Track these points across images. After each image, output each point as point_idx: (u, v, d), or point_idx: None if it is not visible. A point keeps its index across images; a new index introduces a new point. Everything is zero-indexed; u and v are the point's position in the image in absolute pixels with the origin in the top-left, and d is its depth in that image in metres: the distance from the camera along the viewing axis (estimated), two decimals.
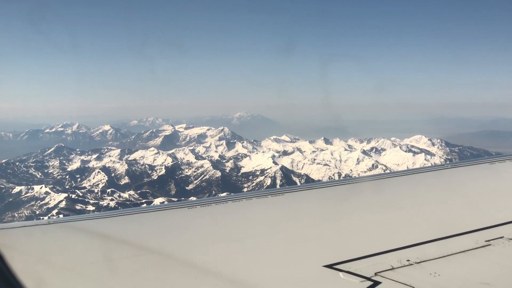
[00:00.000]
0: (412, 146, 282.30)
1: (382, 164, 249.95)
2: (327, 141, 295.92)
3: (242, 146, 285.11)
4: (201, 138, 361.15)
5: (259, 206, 7.92)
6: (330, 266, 5.09)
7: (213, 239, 6.27)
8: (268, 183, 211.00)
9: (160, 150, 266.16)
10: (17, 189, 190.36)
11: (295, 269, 5.24)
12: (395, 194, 8.71)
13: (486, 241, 5.79)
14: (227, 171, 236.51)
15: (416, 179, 9.75)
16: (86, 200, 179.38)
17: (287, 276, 5.08)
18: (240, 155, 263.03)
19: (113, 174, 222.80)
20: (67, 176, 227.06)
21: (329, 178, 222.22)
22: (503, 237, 5.92)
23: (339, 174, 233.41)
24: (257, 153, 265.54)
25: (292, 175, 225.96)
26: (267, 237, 6.31)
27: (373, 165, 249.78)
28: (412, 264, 5.15)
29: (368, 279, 4.79)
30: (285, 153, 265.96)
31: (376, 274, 4.89)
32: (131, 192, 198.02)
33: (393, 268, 5.03)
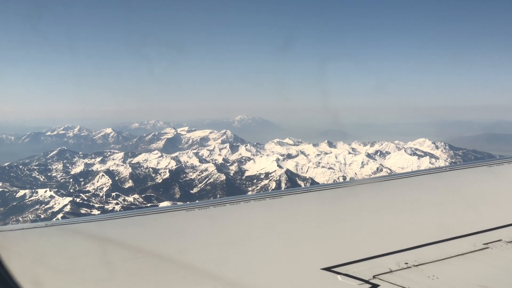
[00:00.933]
0: (416, 149, 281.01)
1: (387, 168, 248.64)
2: (330, 144, 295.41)
3: (246, 149, 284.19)
4: (203, 141, 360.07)
5: (258, 208, 7.95)
6: (328, 269, 5.12)
7: (211, 242, 6.28)
8: (273, 187, 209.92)
9: (163, 153, 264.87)
10: (21, 192, 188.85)
11: (293, 272, 5.24)
12: (393, 197, 8.76)
13: (484, 244, 5.81)
14: (232, 174, 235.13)
15: (415, 181, 9.75)
16: (91, 204, 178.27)
17: (285, 279, 5.11)
18: (243, 158, 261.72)
19: (117, 178, 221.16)
20: (71, 180, 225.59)
21: (334, 181, 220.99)
22: (501, 240, 5.95)
23: (344, 178, 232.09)
24: (261, 156, 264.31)
25: (297, 178, 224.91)
26: (265, 240, 6.34)
27: (377, 168, 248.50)
28: (410, 267, 5.19)
29: (367, 282, 4.81)
30: (289, 156, 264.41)
31: (374, 277, 4.92)
32: (136, 196, 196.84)
33: (391, 271, 5.07)
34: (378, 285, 4.72)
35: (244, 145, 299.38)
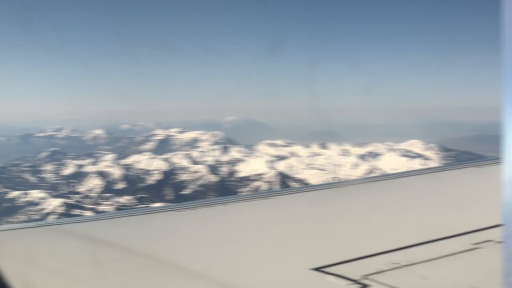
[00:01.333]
0: (409, 150, 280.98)
1: (379, 169, 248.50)
2: (322, 146, 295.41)
3: (237, 151, 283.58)
4: (195, 143, 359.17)
5: (249, 209, 7.97)
6: (317, 269, 5.12)
7: (202, 242, 6.33)
8: (266, 188, 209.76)
9: (155, 155, 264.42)
10: (13, 194, 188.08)
11: (282, 272, 5.26)
12: (384, 197, 8.79)
13: (474, 244, 5.83)
14: (224, 175, 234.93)
15: (405, 182, 9.85)
16: (84, 205, 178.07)
17: (274, 279, 5.11)
18: (235, 159, 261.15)
19: (109, 179, 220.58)
20: (63, 181, 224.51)
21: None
22: (491, 240, 5.95)
23: (336, 179, 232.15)
24: (252, 157, 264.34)
25: (289, 180, 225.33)
26: (255, 240, 6.36)
27: (370, 170, 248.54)
28: (400, 267, 5.19)
29: (356, 282, 4.82)
30: (281, 157, 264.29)
31: (364, 277, 4.92)
32: (128, 197, 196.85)
33: (381, 271, 5.07)
34: (368, 285, 4.75)
35: (236, 146, 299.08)
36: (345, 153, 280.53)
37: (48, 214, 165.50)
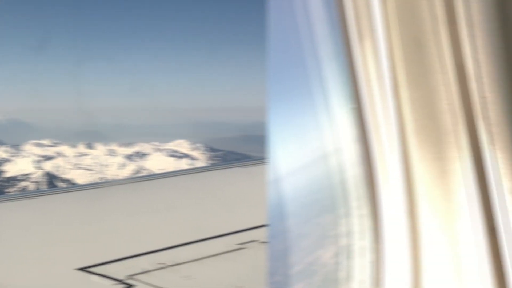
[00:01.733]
0: (175, 151, 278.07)
1: (146, 169, 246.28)
2: (88, 146, 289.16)
3: (3, 151, 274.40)
4: None
5: (14, 209, 7.70)
6: (82, 269, 4.99)
7: None
8: (33, 189, 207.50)
9: None
10: None
11: (46, 272, 5.15)
12: (150, 197, 8.66)
13: (239, 244, 5.71)
14: None
15: (171, 182, 9.71)
16: None
17: (39, 279, 5.00)
18: (1, 159, 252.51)
19: None
20: None
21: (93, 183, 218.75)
22: (255, 240, 5.77)
23: (104, 179, 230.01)
24: (19, 157, 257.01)
25: (56, 180, 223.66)
26: (20, 240, 6.17)
27: (137, 170, 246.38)
28: (165, 267, 5.09)
29: (121, 282, 4.73)
30: (47, 157, 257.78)
31: (128, 277, 4.82)
32: None
33: (146, 271, 4.98)
34: (133, 285, 4.67)
35: (1, 146, 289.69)
36: (111, 153, 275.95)
37: None
